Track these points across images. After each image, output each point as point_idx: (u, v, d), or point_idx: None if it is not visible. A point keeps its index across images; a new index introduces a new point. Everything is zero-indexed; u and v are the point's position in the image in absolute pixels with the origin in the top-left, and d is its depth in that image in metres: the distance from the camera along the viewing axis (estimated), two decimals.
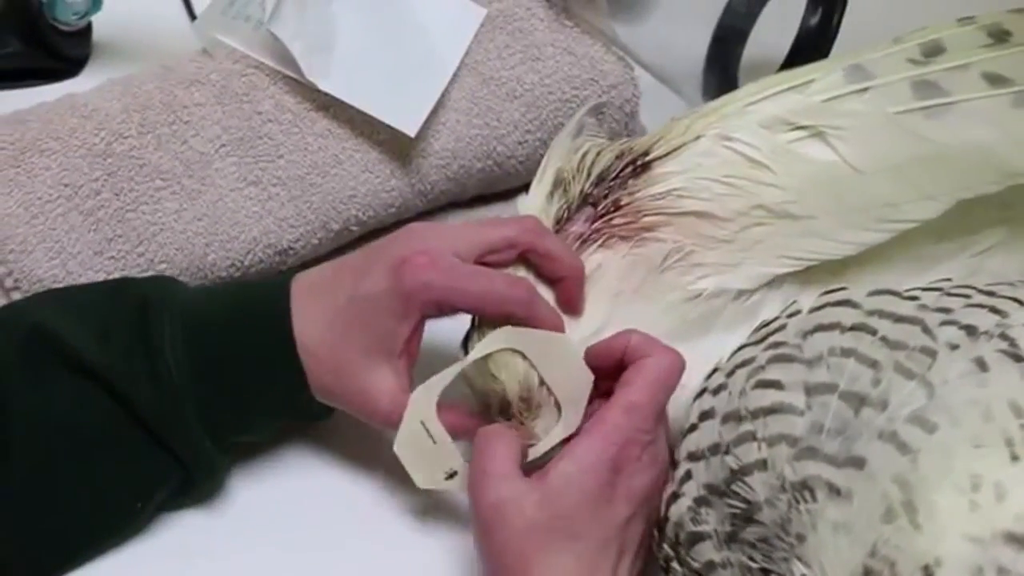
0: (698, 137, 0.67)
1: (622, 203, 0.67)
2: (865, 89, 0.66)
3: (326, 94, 0.73)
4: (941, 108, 0.66)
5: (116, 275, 0.70)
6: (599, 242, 0.66)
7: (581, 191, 0.67)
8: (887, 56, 0.67)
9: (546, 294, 0.64)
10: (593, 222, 0.67)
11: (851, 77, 0.67)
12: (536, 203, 0.68)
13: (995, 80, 0.66)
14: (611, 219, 0.66)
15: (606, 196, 0.67)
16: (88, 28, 0.89)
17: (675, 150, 0.68)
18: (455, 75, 0.75)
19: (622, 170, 0.68)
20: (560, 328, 0.63)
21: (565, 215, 0.67)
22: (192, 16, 0.92)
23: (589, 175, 0.68)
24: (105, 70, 0.80)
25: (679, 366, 0.60)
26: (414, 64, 0.75)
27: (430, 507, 0.67)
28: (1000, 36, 0.67)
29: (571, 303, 0.65)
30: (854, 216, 0.65)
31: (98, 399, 0.62)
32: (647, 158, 0.68)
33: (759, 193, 0.66)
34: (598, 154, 0.69)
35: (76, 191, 0.69)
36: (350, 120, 0.74)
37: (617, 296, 0.66)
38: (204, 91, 0.73)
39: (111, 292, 0.66)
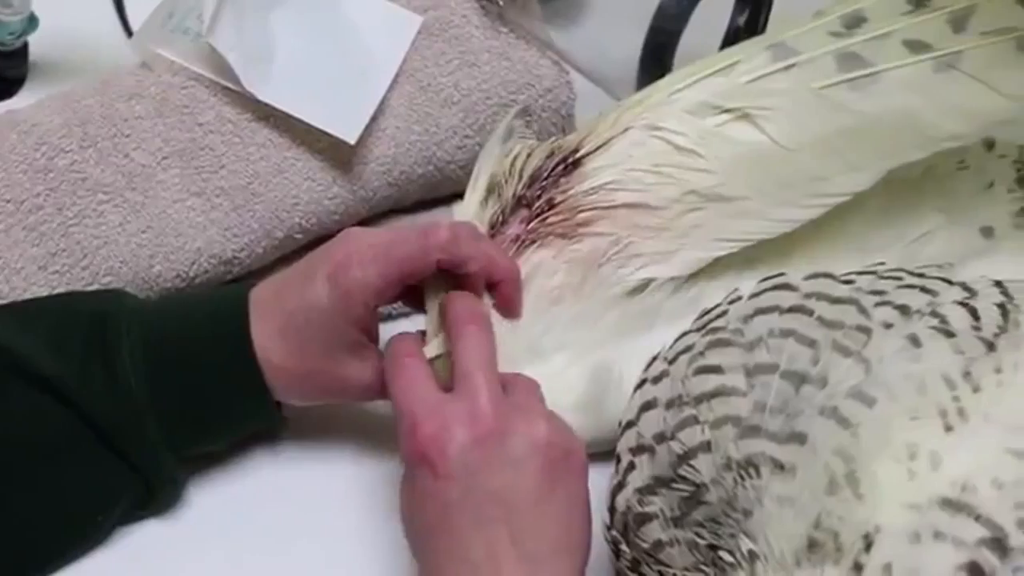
0: (626, 129, 0.69)
1: (556, 202, 0.68)
2: (790, 66, 0.68)
3: (266, 104, 0.73)
4: (865, 79, 0.67)
5: (60, 289, 0.70)
6: (536, 242, 0.67)
7: (514, 194, 0.68)
8: (809, 31, 0.69)
9: (485, 299, 0.65)
10: (528, 223, 0.68)
11: (775, 55, 0.68)
12: (470, 210, 0.69)
13: (916, 47, 0.67)
14: (546, 218, 0.67)
15: (539, 196, 0.68)
16: (24, 48, 0.89)
17: (604, 144, 0.69)
18: (393, 82, 0.76)
19: (553, 169, 0.69)
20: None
21: (500, 219, 0.68)
22: (129, 33, 0.91)
23: (521, 177, 0.69)
24: (43, 89, 0.80)
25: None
26: (352, 73, 0.75)
27: (389, 508, 0.66)
28: (920, 2, 0.68)
29: (509, 306, 0.65)
30: (785, 193, 0.67)
31: (54, 411, 0.62)
32: (577, 155, 0.69)
33: (690, 179, 0.67)
34: (528, 155, 0.70)
35: (18, 207, 0.70)
36: (291, 129, 0.74)
37: (557, 295, 0.66)
38: (144, 104, 0.73)
39: (62, 304, 0.67)
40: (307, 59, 0.75)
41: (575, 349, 0.66)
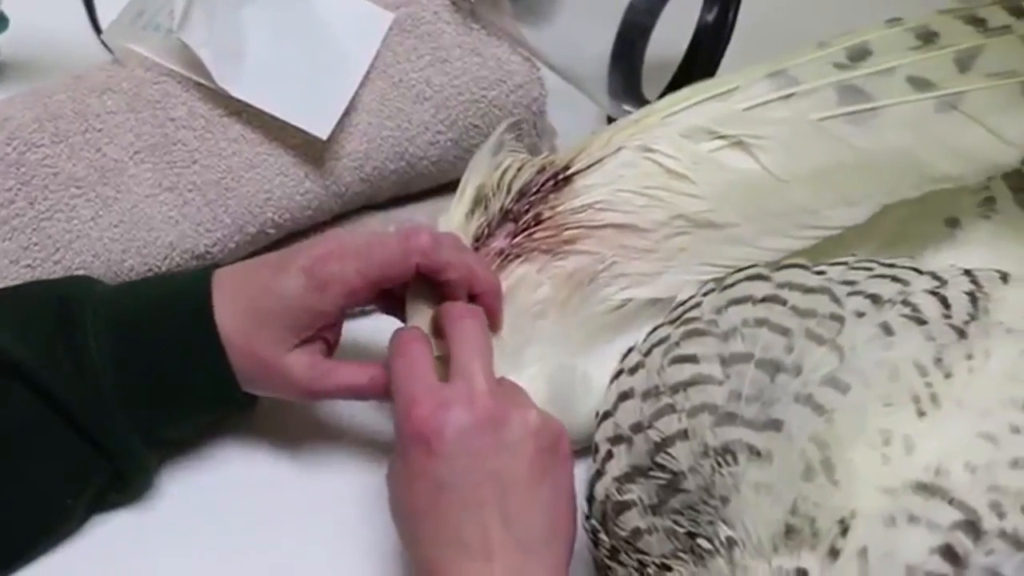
0: (619, 149, 0.68)
1: (543, 217, 0.68)
2: (790, 96, 0.67)
3: (238, 100, 0.73)
4: (865, 113, 0.66)
5: None
6: (521, 257, 0.67)
7: (501, 207, 0.68)
8: (812, 61, 0.68)
9: None
10: (514, 237, 0.68)
11: (775, 83, 0.67)
12: (455, 221, 0.69)
13: (919, 84, 0.66)
14: (532, 234, 0.67)
15: (527, 211, 0.68)
16: None
17: (596, 163, 0.69)
18: (365, 78, 0.76)
19: (543, 184, 0.69)
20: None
21: (485, 232, 0.68)
22: (99, 31, 0.91)
23: (510, 191, 0.69)
24: (14, 88, 0.79)
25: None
26: (324, 68, 0.75)
27: (363, 493, 0.68)
28: (927, 38, 0.68)
29: (489, 318, 0.65)
30: (775, 223, 0.66)
31: (21, 396, 0.62)
32: (568, 172, 0.69)
33: (679, 203, 0.67)
34: (519, 170, 0.70)
35: None
36: (263, 125, 0.74)
37: (540, 310, 0.67)
38: (116, 99, 0.73)
39: (28, 291, 0.67)
40: (279, 55, 0.75)
41: (550, 360, 0.66)
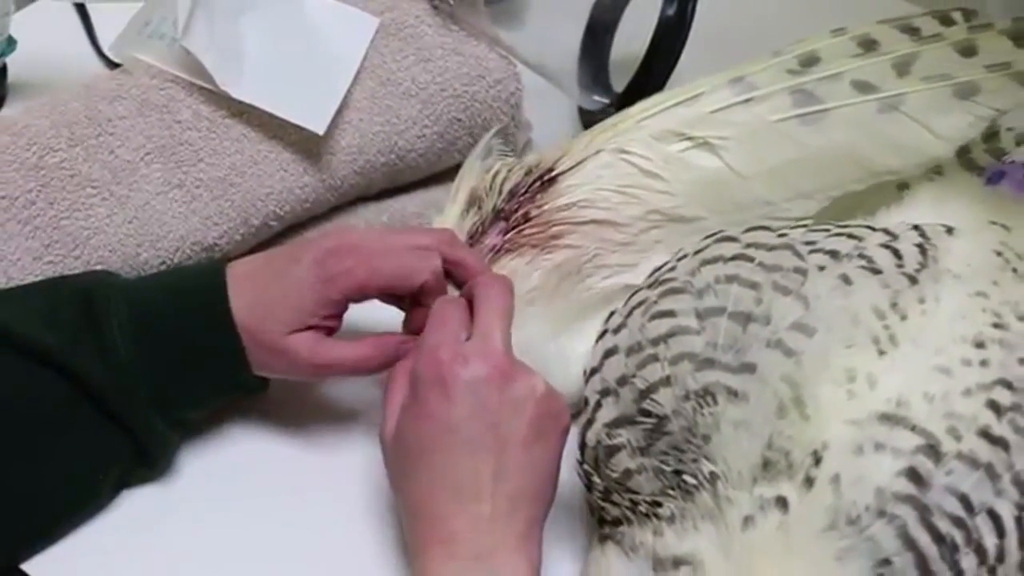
0: (598, 151, 0.71)
1: (531, 215, 0.70)
2: (749, 100, 0.70)
3: (239, 101, 0.75)
4: (815, 115, 0.69)
5: None
6: (512, 252, 0.69)
7: (494, 207, 0.71)
8: (768, 68, 0.71)
9: None
10: (505, 234, 0.70)
11: (736, 89, 0.71)
12: (450, 220, 0.72)
13: (863, 87, 0.69)
14: (522, 230, 0.70)
15: (517, 210, 0.71)
16: (3, 69, 0.90)
17: (578, 164, 0.71)
18: (356, 78, 0.78)
19: (531, 185, 0.71)
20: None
21: (479, 230, 0.71)
22: (99, 50, 0.93)
23: (501, 192, 0.72)
24: (23, 105, 0.80)
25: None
26: (318, 70, 0.77)
27: (367, 469, 0.69)
28: (869, 46, 0.71)
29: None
30: (739, 215, 0.69)
31: (49, 380, 0.63)
32: (553, 173, 0.71)
33: (653, 200, 0.70)
34: (508, 172, 0.72)
35: (12, 202, 0.71)
36: (263, 124, 0.76)
37: (531, 298, 0.69)
38: (126, 105, 0.75)
39: (51, 284, 0.68)
40: (276, 59, 0.76)
41: (537, 340, 0.68)
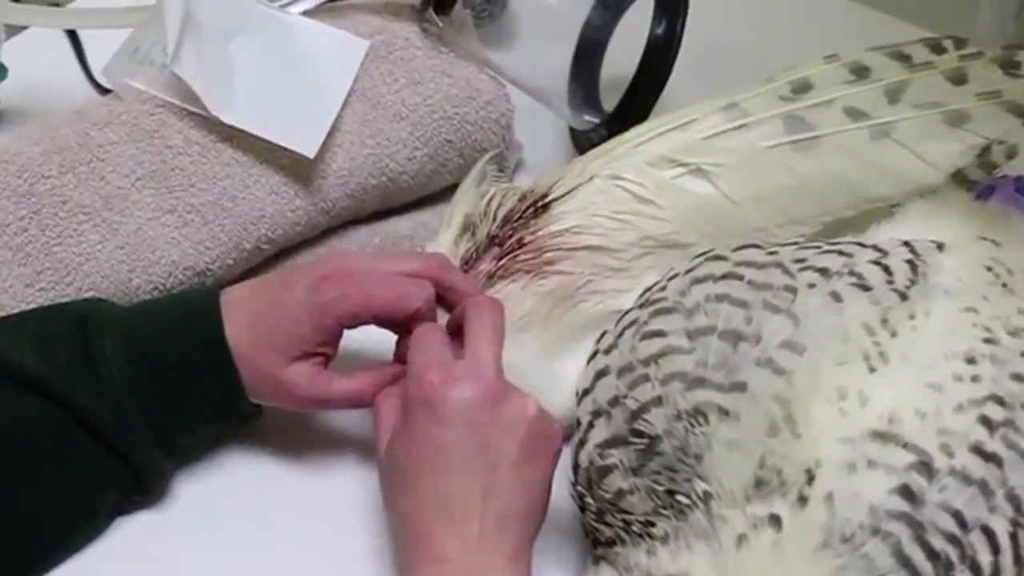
0: (592, 178, 0.71)
1: (525, 241, 0.70)
2: (742, 126, 0.70)
3: (230, 126, 0.74)
4: (807, 141, 0.69)
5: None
6: (506, 277, 0.69)
7: (488, 233, 0.71)
8: (760, 95, 0.71)
9: None
10: (499, 260, 0.70)
11: (729, 115, 0.70)
12: (445, 246, 0.71)
13: (855, 114, 0.69)
14: (516, 256, 0.70)
15: (511, 236, 0.70)
16: None
17: (571, 191, 0.71)
18: (346, 101, 0.77)
19: (524, 211, 0.71)
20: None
21: (474, 255, 0.70)
22: (90, 76, 0.93)
23: (495, 218, 0.71)
24: (14, 132, 0.80)
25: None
26: (308, 93, 0.77)
27: (361, 494, 0.68)
28: (860, 72, 0.70)
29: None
30: (732, 241, 0.67)
31: (43, 408, 0.63)
32: (547, 199, 0.71)
33: (646, 226, 0.70)
34: (503, 198, 0.72)
35: (4, 229, 0.70)
36: (254, 148, 0.75)
37: (525, 323, 0.68)
38: (117, 130, 0.74)
39: (44, 312, 0.68)
40: (266, 83, 0.76)
41: (531, 365, 0.68)
